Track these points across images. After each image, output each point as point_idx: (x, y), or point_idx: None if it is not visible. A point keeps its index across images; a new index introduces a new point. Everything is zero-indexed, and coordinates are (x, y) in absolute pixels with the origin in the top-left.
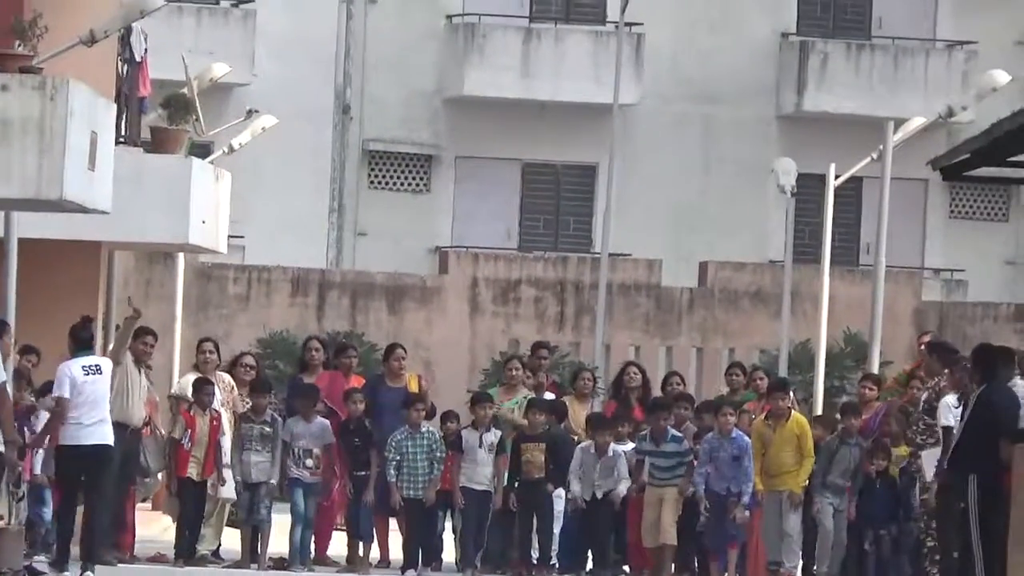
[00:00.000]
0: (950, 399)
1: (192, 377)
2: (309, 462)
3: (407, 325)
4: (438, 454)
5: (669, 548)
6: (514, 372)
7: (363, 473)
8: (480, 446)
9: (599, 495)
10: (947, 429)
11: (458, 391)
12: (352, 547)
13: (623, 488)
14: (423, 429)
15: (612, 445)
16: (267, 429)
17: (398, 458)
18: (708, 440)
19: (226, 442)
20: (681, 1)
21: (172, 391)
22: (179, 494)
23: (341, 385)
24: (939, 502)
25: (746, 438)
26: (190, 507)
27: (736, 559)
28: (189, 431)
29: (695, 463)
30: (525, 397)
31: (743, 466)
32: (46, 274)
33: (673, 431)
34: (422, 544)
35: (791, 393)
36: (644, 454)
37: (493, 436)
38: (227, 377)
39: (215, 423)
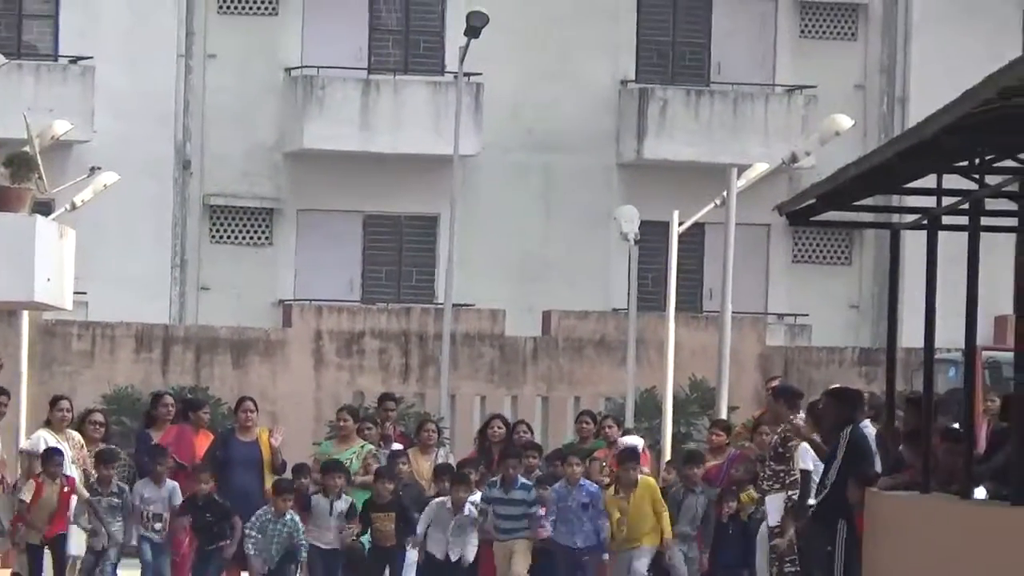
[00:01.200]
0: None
1: (43, 433)
2: (158, 525)
3: (252, 379)
4: (298, 543)
5: None
6: (343, 424)
7: (214, 547)
8: (330, 514)
9: (453, 558)
10: (805, 472)
11: (304, 444)
12: None
13: (471, 554)
14: (287, 516)
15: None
16: (115, 500)
17: (259, 536)
18: (556, 490)
19: (74, 501)
20: (520, 51)
21: (22, 447)
22: (27, 557)
23: (190, 439)
24: (802, 545)
25: (594, 486)
26: (34, 569)
27: None
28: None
29: (543, 510)
30: (362, 447)
31: (592, 512)
32: None
33: (523, 479)
34: None
35: (639, 460)
36: (492, 502)
37: (343, 504)
38: (77, 435)
39: (65, 491)
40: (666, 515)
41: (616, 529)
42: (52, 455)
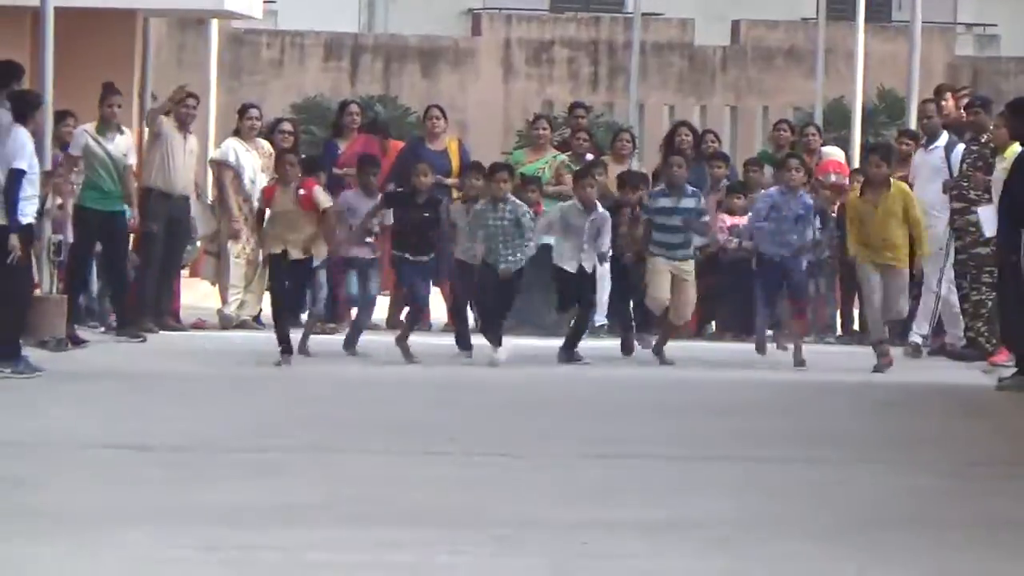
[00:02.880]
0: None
1: (232, 142)
2: (369, 239)
3: (441, 88)
4: (525, 225)
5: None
6: (541, 132)
7: (425, 258)
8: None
9: (587, 268)
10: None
11: (493, 153)
12: (394, 312)
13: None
14: (507, 203)
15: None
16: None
17: (480, 231)
18: (772, 195)
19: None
20: None
21: (212, 156)
22: (268, 270)
23: (375, 148)
24: (998, 257)
25: (810, 198)
26: (277, 277)
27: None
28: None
29: (720, 217)
30: (554, 157)
31: (802, 225)
32: (81, 43)
33: (691, 187)
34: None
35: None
36: (659, 212)
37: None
38: (266, 144)
39: (302, 193)
40: (920, 231)
41: (851, 230)
42: (282, 156)
